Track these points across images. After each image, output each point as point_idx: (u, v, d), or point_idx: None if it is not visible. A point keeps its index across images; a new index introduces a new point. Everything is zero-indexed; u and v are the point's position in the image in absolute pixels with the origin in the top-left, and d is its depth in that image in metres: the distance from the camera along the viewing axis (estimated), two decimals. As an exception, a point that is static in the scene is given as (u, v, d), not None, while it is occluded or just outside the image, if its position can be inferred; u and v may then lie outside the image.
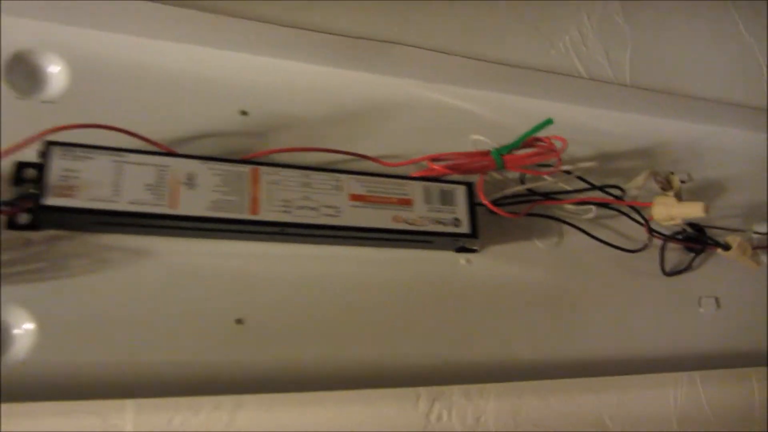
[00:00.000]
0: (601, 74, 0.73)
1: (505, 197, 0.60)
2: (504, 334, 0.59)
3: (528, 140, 0.58)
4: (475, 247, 0.60)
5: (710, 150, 0.78)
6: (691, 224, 0.72)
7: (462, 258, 0.59)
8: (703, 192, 0.75)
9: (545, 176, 0.60)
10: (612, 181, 0.66)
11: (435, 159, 0.56)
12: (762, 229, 0.76)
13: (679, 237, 0.67)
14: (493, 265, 0.60)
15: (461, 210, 0.55)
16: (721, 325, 0.70)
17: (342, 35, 0.56)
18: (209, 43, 0.56)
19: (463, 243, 0.57)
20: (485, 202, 0.56)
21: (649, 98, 0.74)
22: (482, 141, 0.60)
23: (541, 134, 0.58)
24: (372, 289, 0.55)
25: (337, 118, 0.59)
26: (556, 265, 0.64)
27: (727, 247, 0.67)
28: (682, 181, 0.72)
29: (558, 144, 0.58)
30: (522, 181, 0.63)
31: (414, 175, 0.55)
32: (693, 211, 0.58)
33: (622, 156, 0.73)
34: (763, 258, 0.75)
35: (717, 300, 0.70)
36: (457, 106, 0.65)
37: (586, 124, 0.73)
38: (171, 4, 0.52)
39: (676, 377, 0.65)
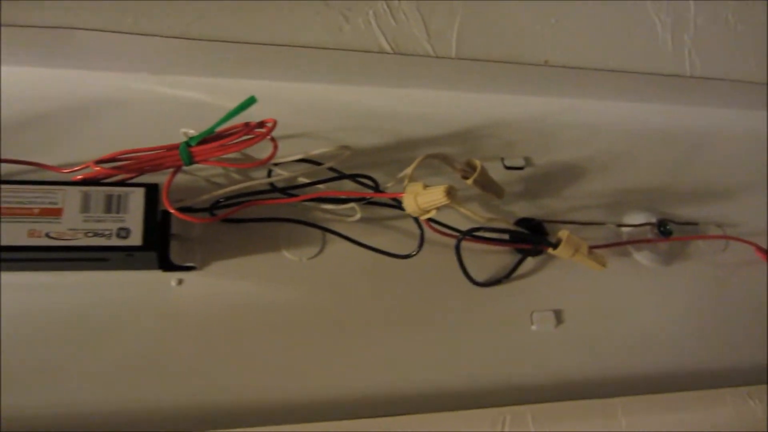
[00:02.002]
0: (415, 49, 0.60)
1: (227, 198, 0.49)
2: (222, 371, 0.46)
3: (232, 127, 0.46)
4: (190, 264, 0.48)
5: (568, 128, 0.63)
6: (526, 218, 0.57)
7: (173, 278, 0.48)
8: (553, 179, 0.60)
9: (244, 169, 0.48)
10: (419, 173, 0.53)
11: (103, 161, 0.45)
12: (635, 219, 0.59)
13: (479, 235, 0.52)
14: (217, 284, 0.49)
15: (134, 218, 0.44)
16: (563, 345, 0.54)
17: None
18: None
19: (155, 257, 0.46)
20: (168, 206, 0.44)
21: (479, 71, 0.61)
22: (191, 133, 0.49)
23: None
24: (37, 324, 0.45)
25: (20, 123, 0.50)
26: (315, 282, 0.51)
27: (555, 245, 0.52)
28: (518, 167, 0.58)
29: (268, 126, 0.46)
30: (269, 175, 0.52)
31: (76, 179, 0.45)
32: (435, 197, 0.44)
33: (437, 141, 0.60)
34: (641, 257, 0.59)
35: (557, 314, 0.54)
36: (190, 99, 0.54)
37: (392, 108, 0.60)
38: None
39: (495, 414, 0.50)
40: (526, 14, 0.63)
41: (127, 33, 0.51)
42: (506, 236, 0.55)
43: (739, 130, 0.68)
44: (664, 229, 0.58)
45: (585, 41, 0.65)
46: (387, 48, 0.60)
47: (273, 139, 0.47)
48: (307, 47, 0.57)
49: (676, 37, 0.68)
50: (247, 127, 0.46)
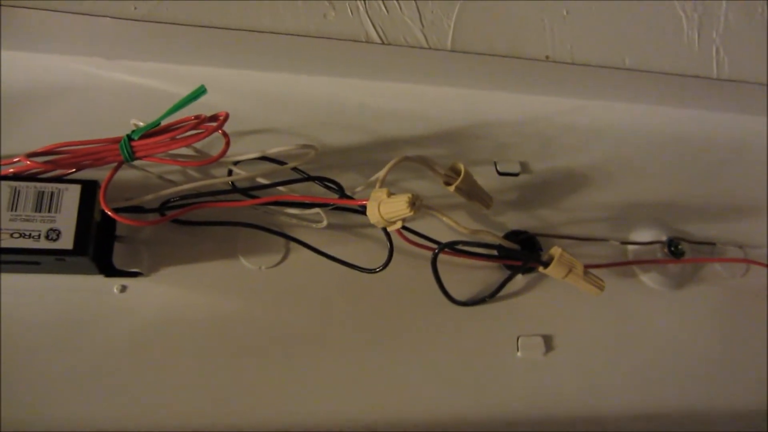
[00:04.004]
0: (406, 40, 0.55)
1: (181, 198, 0.44)
2: (164, 390, 0.42)
3: (182, 120, 0.42)
4: (135, 270, 0.44)
5: (570, 131, 0.57)
6: (517, 231, 0.51)
7: (115, 285, 0.44)
8: (551, 188, 0.54)
9: (189, 167, 0.43)
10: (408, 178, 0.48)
11: (37, 154, 0.41)
12: (643, 237, 0.53)
13: (461, 249, 0.47)
14: (164, 293, 0.44)
15: (67, 218, 0.40)
16: (552, 376, 0.48)
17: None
18: None
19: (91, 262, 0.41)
20: (104, 206, 0.40)
21: (474, 65, 0.55)
22: (141, 126, 0.45)
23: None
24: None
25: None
26: (274, 294, 0.46)
27: (546, 263, 0.46)
28: (512, 174, 0.52)
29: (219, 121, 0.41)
30: (229, 174, 0.47)
31: (6, 173, 0.41)
32: (398, 207, 0.38)
33: (423, 141, 0.54)
34: (648, 279, 0.52)
35: (546, 340, 0.48)
36: (149, 87, 0.50)
37: (374, 103, 0.55)
38: None
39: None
40: (535, 5, 0.57)
41: (85, 14, 0.46)
42: (493, 250, 0.49)
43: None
44: (675, 248, 0.52)
45: (600, 36, 0.58)
46: (375, 38, 0.54)
47: (225, 134, 0.42)
48: (287, 35, 0.52)
49: (703, 34, 0.61)
50: (198, 120, 0.41)
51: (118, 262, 0.44)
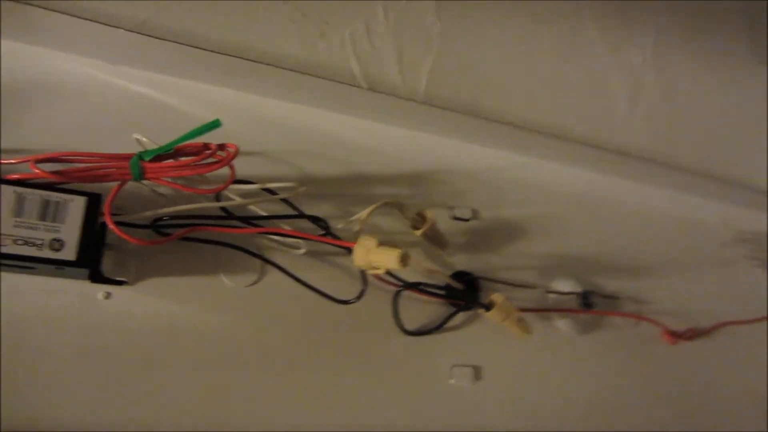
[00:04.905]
0: (384, 79, 0.59)
1: (172, 217, 0.46)
2: (135, 398, 0.45)
3: (191, 146, 0.44)
4: (121, 278, 0.46)
5: (517, 185, 0.64)
6: (463, 272, 0.58)
7: (101, 291, 0.46)
8: (496, 235, 0.61)
9: (199, 193, 0.46)
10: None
11: (44, 160, 0.42)
12: (563, 286, 0.62)
13: (424, 288, 0.53)
14: (146, 303, 0.47)
15: (71, 229, 0.41)
16: (476, 402, 0.56)
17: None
18: None
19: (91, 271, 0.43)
20: (108, 219, 0.42)
21: (441, 117, 0.61)
22: (144, 142, 0.47)
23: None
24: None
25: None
26: (248, 311, 0.50)
27: (488, 307, 0.53)
28: (464, 219, 0.58)
29: (229, 151, 0.44)
30: (217, 198, 0.50)
31: (10, 177, 0.42)
32: (389, 260, 0.44)
33: (391, 180, 0.59)
34: (562, 323, 0.61)
35: (476, 370, 0.56)
36: (149, 97, 0.51)
37: (349, 137, 0.59)
38: None
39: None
40: (502, 61, 0.64)
41: (88, 20, 0.47)
42: (442, 290, 0.56)
43: (674, 213, 0.71)
44: (587, 300, 0.61)
45: (549, 100, 0.66)
46: (357, 72, 0.59)
47: (231, 166, 0.45)
48: (278, 67, 0.55)
49: (634, 108, 0.71)
50: (207, 149, 0.44)
51: (105, 269, 0.46)
